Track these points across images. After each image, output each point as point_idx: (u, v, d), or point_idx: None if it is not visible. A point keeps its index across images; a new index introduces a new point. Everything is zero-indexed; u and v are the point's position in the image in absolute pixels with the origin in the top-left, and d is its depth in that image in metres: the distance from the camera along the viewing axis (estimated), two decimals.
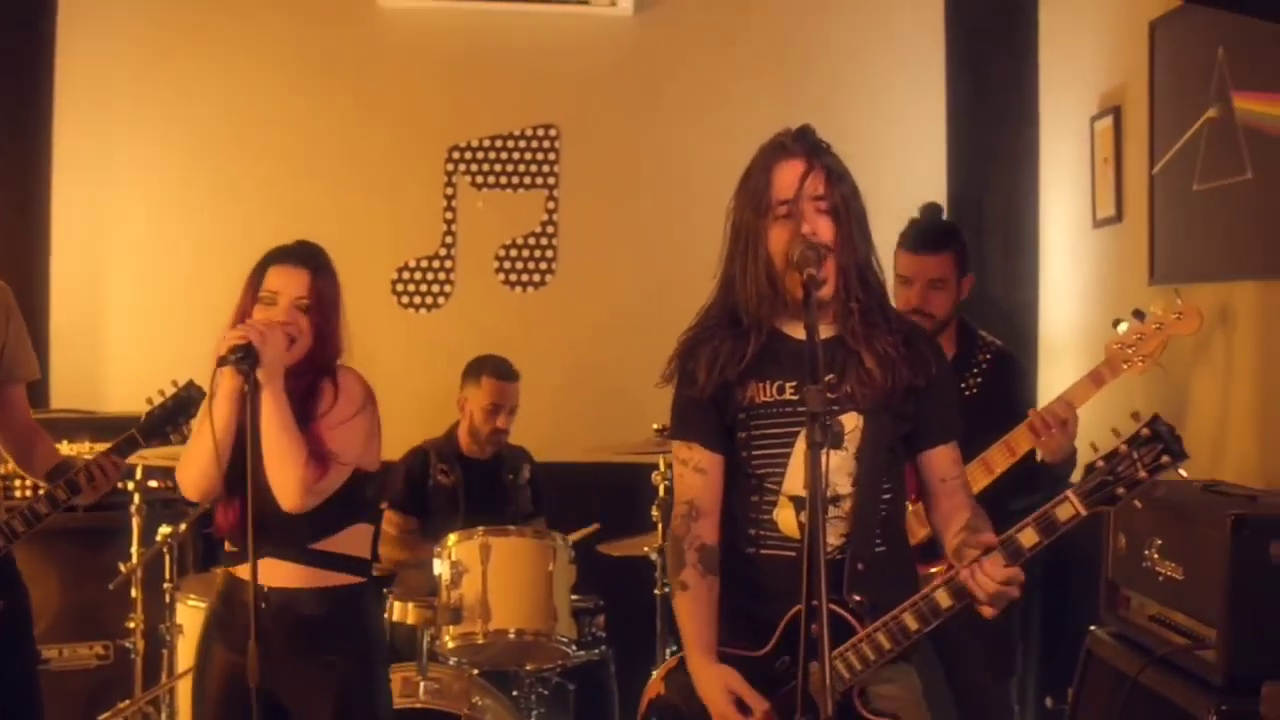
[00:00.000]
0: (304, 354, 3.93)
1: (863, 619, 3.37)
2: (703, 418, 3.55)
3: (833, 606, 3.29)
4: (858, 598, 3.40)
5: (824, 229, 3.40)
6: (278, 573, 3.89)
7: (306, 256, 3.99)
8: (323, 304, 3.96)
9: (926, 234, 5.08)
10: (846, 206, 3.44)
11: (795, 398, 3.43)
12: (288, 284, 3.93)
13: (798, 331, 3.44)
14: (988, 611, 3.27)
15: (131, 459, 4.82)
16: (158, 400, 4.74)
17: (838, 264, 3.41)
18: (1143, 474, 3.17)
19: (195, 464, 3.92)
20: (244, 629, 3.77)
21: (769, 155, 3.48)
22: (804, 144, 3.47)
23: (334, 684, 3.94)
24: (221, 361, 3.72)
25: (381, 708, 4.07)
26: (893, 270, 4.92)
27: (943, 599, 3.28)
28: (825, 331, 3.43)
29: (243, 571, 3.93)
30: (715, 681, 3.43)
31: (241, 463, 3.73)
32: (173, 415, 4.68)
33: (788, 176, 3.43)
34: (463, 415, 6.36)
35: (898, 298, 4.87)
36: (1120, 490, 3.17)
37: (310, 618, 3.90)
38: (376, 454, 4.11)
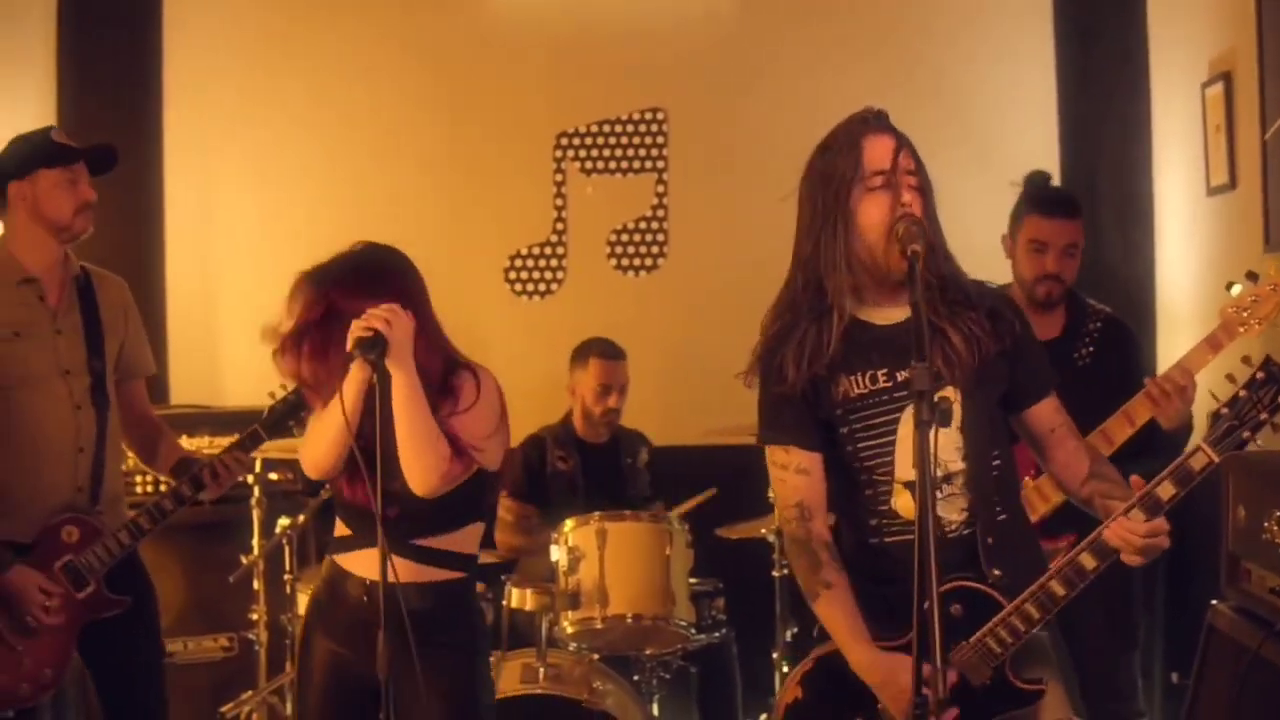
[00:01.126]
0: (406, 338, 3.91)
1: (1004, 593, 3.35)
2: (796, 418, 3.50)
3: (975, 585, 3.34)
4: (996, 572, 3.38)
5: (917, 204, 3.37)
6: (379, 564, 3.89)
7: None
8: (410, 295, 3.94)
9: (1062, 199, 5.05)
10: (929, 187, 3.42)
11: (889, 385, 3.40)
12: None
13: (878, 317, 3.42)
14: (1137, 560, 3.25)
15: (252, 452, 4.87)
16: (280, 395, 4.79)
17: (926, 241, 3.37)
18: (1263, 415, 3.18)
19: (319, 446, 3.92)
20: (348, 621, 3.83)
21: (855, 129, 3.46)
22: (886, 122, 3.45)
23: (436, 676, 3.93)
24: (347, 357, 3.71)
25: (484, 699, 4.08)
26: (1013, 237, 4.90)
27: (1087, 561, 3.27)
28: (901, 314, 3.40)
29: (348, 562, 3.98)
30: (896, 671, 3.31)
31: (365, 451, 3.70)
32: (294, 409, 4.72)
33: (880, 149, 3.40)
34: (574, 400, 6.37)
35: (1029, 264, 4.83)
36: (1246, 434, 3.18)
37: (414, 611, 3.90)
38: (502, 452, 4.11)
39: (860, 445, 3.45)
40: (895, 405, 3.38)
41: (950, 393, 3.40)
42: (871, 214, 3.38)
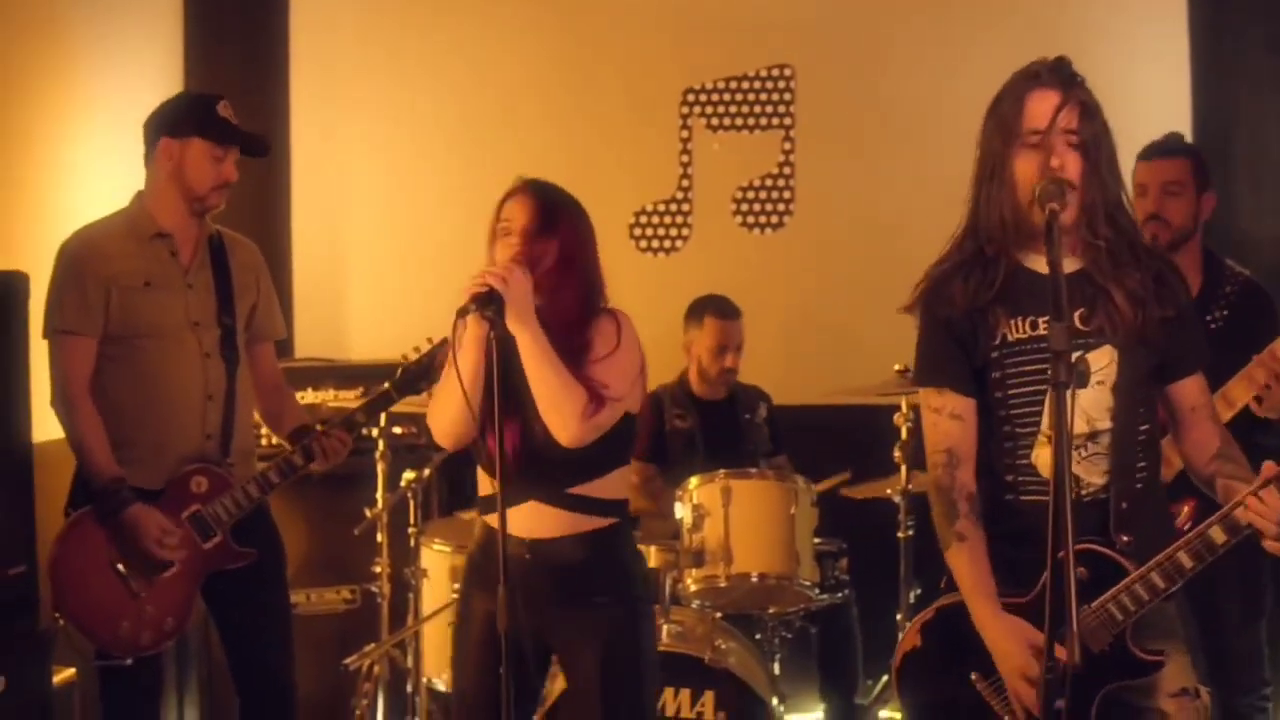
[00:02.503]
0: (548, 277, 3.88)
1: (1131, 559, 3.30)
2: (952, 361, 3.47)
3: (1102, 549, 3.29)
4: (1125, 538, 3.34)
5: (1072, 164, 3.32)
6: (539, 522, 3.88)
7: (534, 185, 3.98)
8: (557, 226, 3.93)
9: (1157, 141, 5.00)
10: (1097, 144, 3.35)
11: (1049, 333, 3.35)
12: (519, 212, 3.90)
13: (1042, 265, 3.35)
14: (1274, 546, 3.18)
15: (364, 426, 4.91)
16: (413, 357, 4.82)
17: (1082, 201, 3.32)
18: None
19: (446, 413, 3.92)
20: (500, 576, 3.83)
21: (1023, 83, 3.39)
22: (1059, 75, 3.37)
23: (600, 627, 3.94)
24: (462, 311, 3.68)
25: (647, 647, 4.06)
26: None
27: (1217, 535, 3.21)
28: (1070, 265, 3.36)
29: (497, 520, 3.97)
30: (1012, 633, 3.33)
31: (505, 407, 3.67)
32: (425, 372, 4.76)
33: (1041, 106, 3.34)
34: (690, 358, 6.36)
35: (1135, 210, 4.76)
36: None
37: (572, 564, 3.91)
38: (642, 395, 4.10)
39: (1010, 392, 3.42)
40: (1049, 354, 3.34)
41: (1108, 353, 3.37)
42: (1023, 171, 3.34)
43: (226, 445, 4.66)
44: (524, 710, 3.61)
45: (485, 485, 4.04)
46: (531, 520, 3.77)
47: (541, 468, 3.84)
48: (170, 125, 4.60)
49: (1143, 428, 3.42)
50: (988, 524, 3.45)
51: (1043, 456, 3.39)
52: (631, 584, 4.04)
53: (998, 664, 3.37)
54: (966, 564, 3.42)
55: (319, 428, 4.77)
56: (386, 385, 4.80)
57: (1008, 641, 3.33)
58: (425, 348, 4.83)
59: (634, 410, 4.00)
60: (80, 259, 4.51)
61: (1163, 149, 4.95)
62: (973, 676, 3.46)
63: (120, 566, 4.45)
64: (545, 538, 3.88)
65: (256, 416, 4.98)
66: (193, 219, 4.65)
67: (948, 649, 3.50)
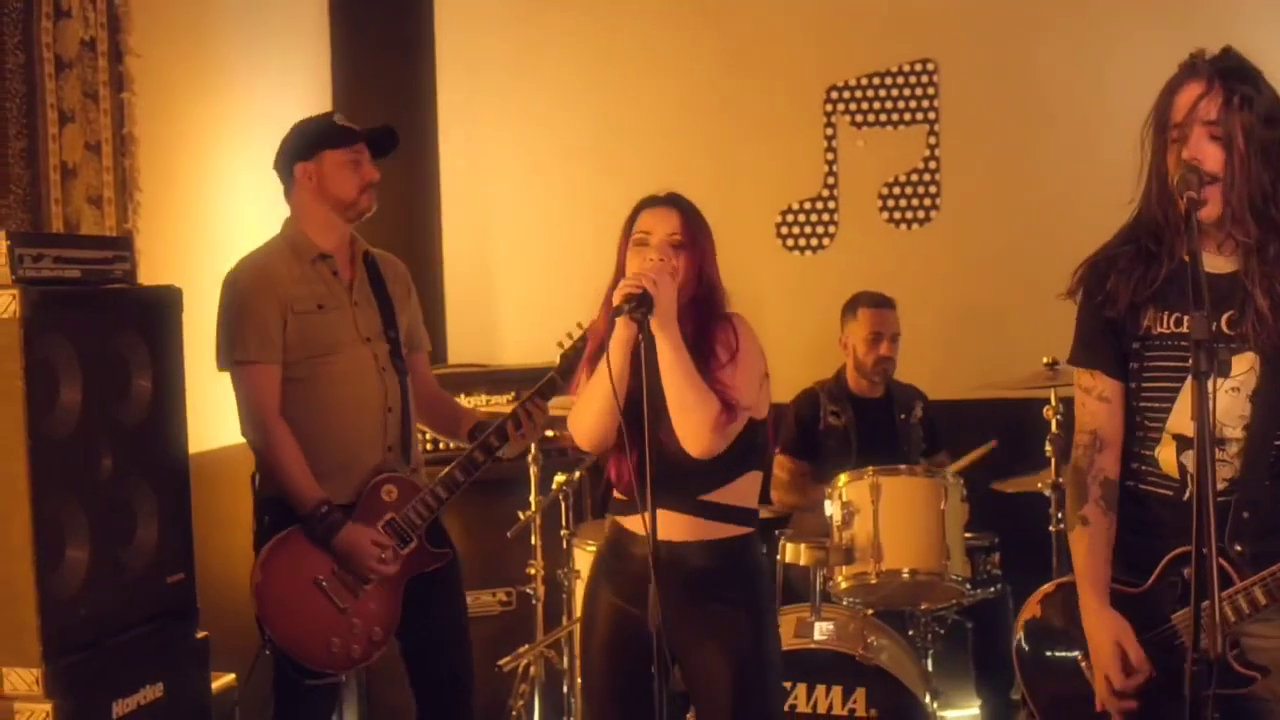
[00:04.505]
0: (680, 292, 3.91)
1: (1242, 570, 3.28)
2: (1106, 344, 3.49)
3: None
4: (1239, 548, 3.31)
5: (1210, 156, 3.27)
6: (666, 526, 3.81)
7: (674, 199, 4.00)
8: (696, 241, 3.95)
9: None
10: (1246, 135, 3.27)
11: (1191, 323, 3.32)
12: (659, 223, 3.93)
13: (1203, 263, 3.33)
14: None
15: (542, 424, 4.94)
16: (567, 344, 4.85)
17: (1225, 197, 3.28)
18: None
19: (589, 415, 3.94)
20: (632, 577, 3.83)
21: (1177, 76, 3.37)
22: (1213, 65, 3.32)
23: (724, 632, 3.95)
24: (616, 311, 3.69)
25: (772, 653, 4.06)
26: None
27: None
28: (1227, 265, 3.35)
29: (631, 523, 3.98)
30: (1107, 629, 3.39)
31: (633, 415, 3.69)
32: (583, 355, 4.78)
33: (1185, 99, 3.32)
34: (846, 353, 6.36)
35: None
36: None
37: (699, 569, 3.92)
38: (767, 399, 4.11)
39: (1145, 384, 3.43)
40: (1189, 354, 3.31)
41: (1248, 359, 3.34)
42: (1172, 165, 3.33)
43: (407, 454, 4.74)
44: (649, 711, 3.63)
45: (617, 491, 4.09)
46: (662, 524, 3.78)
47: (672, 475, 3.82)
48: (298, 151, 4.69)
49: (1277, 442, 3.36)
50: None
51: (1165, 454, 3.38)
52: (759, 592, 4.05)
53: (1091, 653, 3.44)
54: (1085, 550, 3.47)
55: (503, 413, 4.82)
56: (551, 374, 4.82)
57: (1102, 636, 3.40)
58: (577, 333, 4.86)
59: (760, 416, 4.01)
60: (255, 289, 4.57)
61: None
62: (1079, 657, 3.53)
63: (324, 583, 4.54)
64: (671, 540, 3.87)
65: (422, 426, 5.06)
66: (348, 236, 4.75)
67: (1062, 625, 3.58)
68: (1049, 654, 3.65)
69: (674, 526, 3.89)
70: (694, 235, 3.95)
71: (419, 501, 4.65)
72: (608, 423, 3.90)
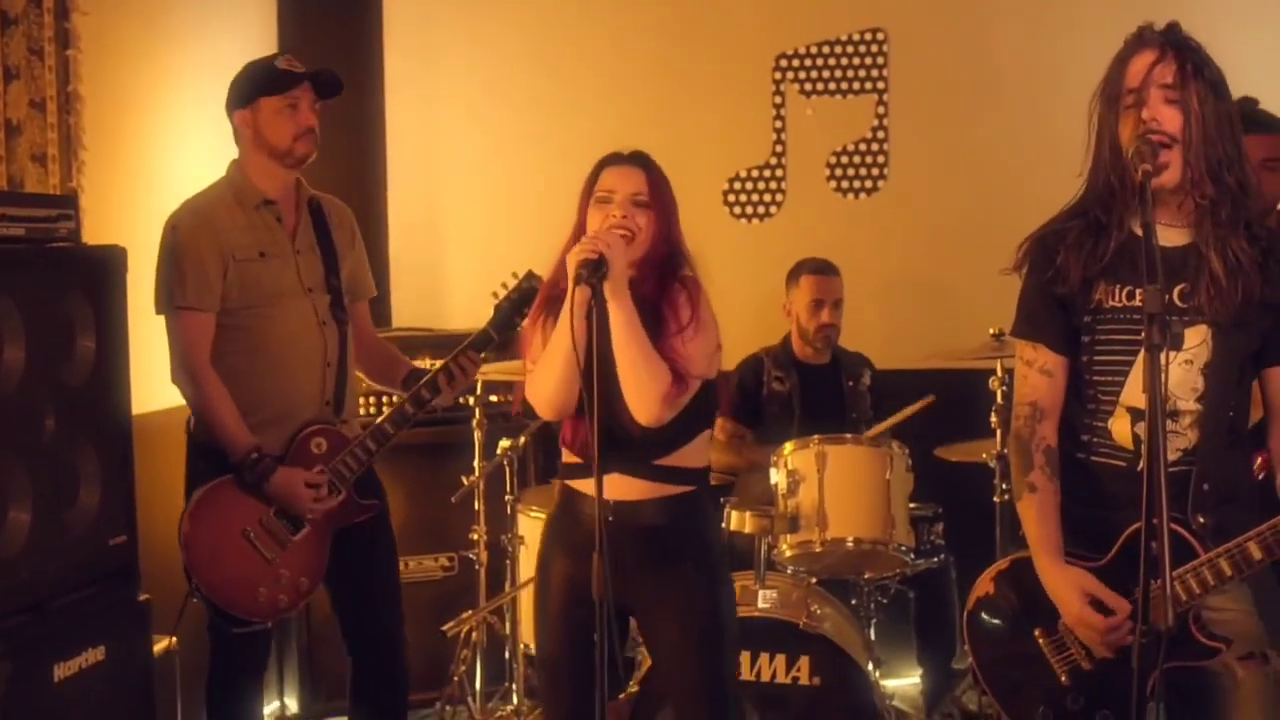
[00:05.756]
0: (643, 254, 3.89)
1: (1204, 542, 3.30)
2: (1050, 318, 3.50)
3: (1175, 527, 3.24)
4: (1201, 519, 3.33)
5: (1167, 118, 3.30)
6: (619, 486, 3.86)
7: (640, 158, 3.97)
8: (660, 201, 3.92)
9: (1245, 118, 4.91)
10: (1201, 100, 3.31)
11: (1143, 297, 3.33)
12: (623, 182, 3.90)
13: (1159, 236, 3.33)
14: None
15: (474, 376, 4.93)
16: (502, 293, 4.83)
17: (1184, 158, 3.30)
18: None
19: (550, 381, 3.89)
20: (583, 540, 3.80)
21: (1127, 47, 3.40)
22: (1164, 36, 3.36)
23: (680, 592, 3.96)
24: (579, 280, 3.64)
25: (727, 613, 4.07)
26: None
27: None
28: (1180, 238, 3.36)
29: (582, 485, 3.96)
30: (1070, 583, 3.42)
31: (588, 380, 3.64)
32: (518, 306, 4.74)
33: (1138, 66, 3.35)
34: (790, 320, 6.36)
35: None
36: None
37: (652, 527, 3.91)
38: (719, 362, 4.10)
39: (1096, 358, 3.44)
40: (1142, 327, 3.32)
41: (1201, 332, 3.35)
42: (1125, 133, 3.34)
43: (340, 408, 4.74)
44: (608, 674, 3.63)
45: (567, 453, 4.06)
46: (614, 487, 3.76)
47: (626, 440, 3.83)
48: (237, 98, 4.67)
49: (1230, 414, 3.39)
50: (1063, 482, 3.49)
51: (1119, 426, 3.40)
52: (710, 550, 4.05)
53: (1064, 615, 3.45)
54: (1035, 515, 3.48)
55: (437, 363, 4.80)
56: (487, 327, 4.79)
57: (1066, 590, 3.42)
58: (512, 283, 4.83)
59: (711, 376, 3.99)
60: (195, 234, 4.57)
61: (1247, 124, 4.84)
62: (1035, 632, 3.53)
63: (251, 534, 4.54)
64: (624, 500, 3.88)
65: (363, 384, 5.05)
66: (292, 183, 4.72)
67: (1016, 601, 3.59)
68: (1003, 631, 3.65)
69: (627, 487, 3.90)
70: (659, 195, 3.92)
71: (348, 454, 4.65)
72: (570, 389, 3.86)
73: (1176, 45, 3.34)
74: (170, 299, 4.55)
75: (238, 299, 4.58)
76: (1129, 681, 3.09)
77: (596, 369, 3.57)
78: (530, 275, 4.72)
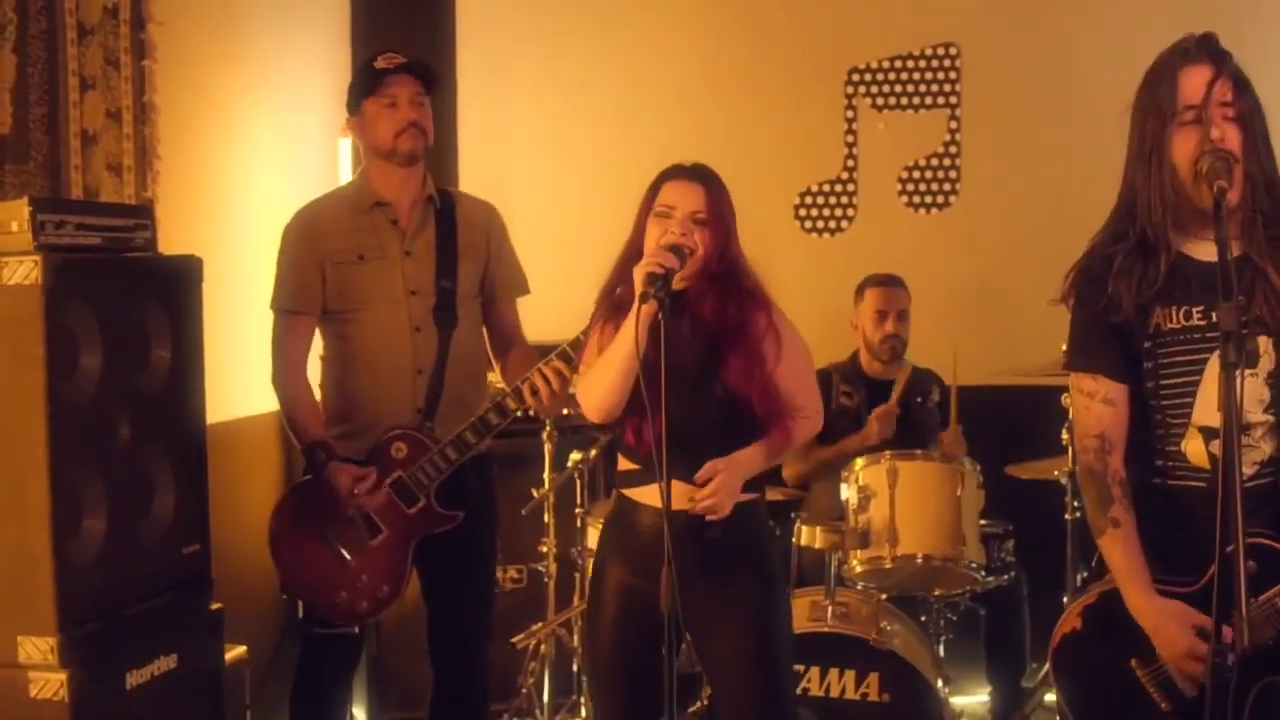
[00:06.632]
0: (698, 269, 3.88)
1: None
2: (1106, 347, 3.44)
3: (1269, 541, 3.23)
4: None
5: (1232, 136, 3.27)
6: (679, 495, 3.83)
7: (701, 172, 3.96)
8: (719, 217, 3.91)
9: None
10: (1252, 116, 3.30)
11: (1204, 323, 3.31)
12: (683, 199, 3.89)
13: (1201, 252, 3.32)
14: None
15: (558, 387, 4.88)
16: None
17: (1245, 174, 3.27)
18: None
19: (601, 386, 3.90)
20: (640, 549, 3.85)
21: (1174, 60, 3.35)
22: (1209, 50, 3.33)
23: (736, 602, 3.95)
24: (645, 297, 3.64)
25: (783, 624, 4.06)
26: None
27: None
28: (1234, 249, 3.28)
29: (638, 494, 3.97)
30: (1171, 616, 3.33)
31: (652, 389, 3.65)
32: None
33: (1195, 81, 3.30)
34: (857, 335, 6.34)
35: None
36: None
37: (709, 538, 3.91)
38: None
39: (1163, 382, 3.39)
40: (1206, 345, 3.30)
41: (1264, 343, 3.32)
42: (1182, 150, 3.29)
43: (433, 415, 4.70)
44: (656, 689, 3.62)
45: (625, 462, 4.07)
46: (676, 494, 3.76)
47: (687, 447, 3.81)
48: (349, 106, 4.74)
49: None
50: (1139, 508, 3.43)
51: (1193, 447, 3.36)
52: (769, 561, 4.06)
53: (1159, 649, 3.35)
54: (1120, 550, 3.42)
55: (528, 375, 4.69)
56: (564, 347, 4.73)
57: (1169, 625, 3.32)
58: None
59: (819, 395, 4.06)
60: (295, 239, 4.66)
61: None
62: (1133, 663, 3.45)
63: (329, 534, 4.57)
64: (682, 509, 3.86)
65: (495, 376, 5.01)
66: (410, 181, 4.72)
67: (1108, 634, 3.50)
68: (1097, 666, 3.56)
69: (688, 496, 3.89)
70: (719, 212, 3.91)
71: (427, 461, 4.62)
72: (619, 397, 3.88)
73: (1222, 59, 3.31)
74: (273, 299, 4.66)
75: (335, 303, 4.64)
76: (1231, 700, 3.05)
77: (665, 380, 3.59)
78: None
